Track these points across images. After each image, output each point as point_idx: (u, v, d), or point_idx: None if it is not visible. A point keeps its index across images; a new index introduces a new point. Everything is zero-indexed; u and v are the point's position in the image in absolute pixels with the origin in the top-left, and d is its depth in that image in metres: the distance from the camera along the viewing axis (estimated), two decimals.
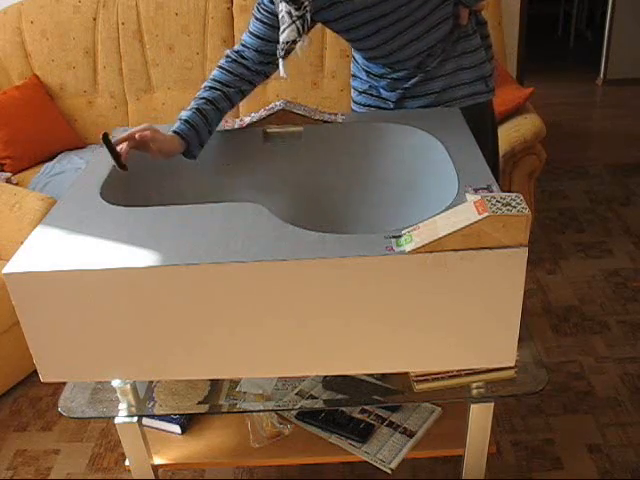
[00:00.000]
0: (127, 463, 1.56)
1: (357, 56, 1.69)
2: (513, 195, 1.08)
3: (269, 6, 1.44)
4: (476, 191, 1.19)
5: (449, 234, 1.05)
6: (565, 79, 4.79)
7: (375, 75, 1.64)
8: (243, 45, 1.52)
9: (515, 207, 1.05)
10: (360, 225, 1.51)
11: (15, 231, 2.16)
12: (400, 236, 1.10)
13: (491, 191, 1.20)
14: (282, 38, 1.36)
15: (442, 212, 1.12)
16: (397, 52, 1.52)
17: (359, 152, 1.56)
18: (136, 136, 1.36)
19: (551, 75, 4.84)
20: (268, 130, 1.57)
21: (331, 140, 1.56)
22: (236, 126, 1.59)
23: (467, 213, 1.06)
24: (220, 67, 1.52)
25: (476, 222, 1.03)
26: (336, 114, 1.61)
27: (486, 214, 1.03)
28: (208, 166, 1.57)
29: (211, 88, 1.49)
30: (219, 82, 1.49)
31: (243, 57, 1.51)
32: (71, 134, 2.99)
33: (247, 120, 1.60)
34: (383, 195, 1.54)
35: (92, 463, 1.94)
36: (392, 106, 1.65)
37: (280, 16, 1.37)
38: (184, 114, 1.45)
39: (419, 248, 1.06)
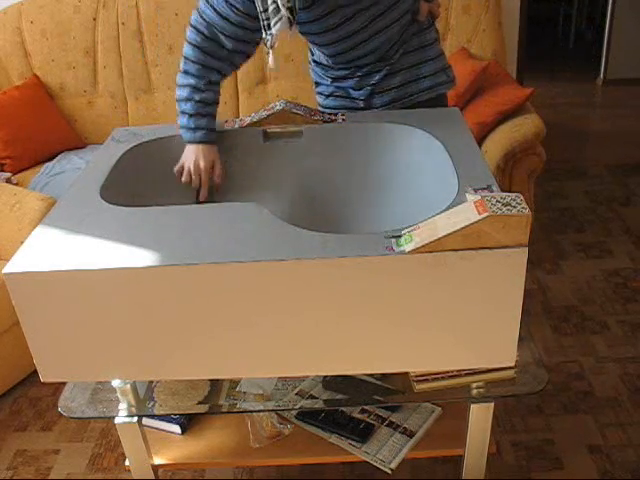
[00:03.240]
0: (127, 463, 1.56)
1: (318, 62, 1.69)
2: (513, 195, 1.08)
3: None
4: (476, 191, 1.19)
5: (449, 234, 1.05)
6: (565, 79, 4.79)
7: (340, 78, 1.66)
8: (212, 26, 1.46)
9: (515, 207, 1.05)
10: (360, 225, 1.51)
11: (15, 231, 2.16)
12: (400, 236, 1.10)
13: (491, 191, 1.20)
14: (274, 30, 1.36)
15: (442, 212, 1.12)
16: (364, 43, 1.53)
17: (359, 152, 1.56)
18: (217, 181, 1.52)
19: (551, 75, 4.84)
20: (268, 130, 1.57)
21: (331, 140, 1.56)
22: (236, 126, 1.59)
23: (467, 213, 1.06)
24: (196, 46, 1.48)
25: (476, 222, 1.03)
26: (336, 114, 1.61)
27: (486, 214, 1.03)
28: None
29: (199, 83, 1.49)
30: (203, 69, 1.48)
31: (219, 42, 1.48)
32: (71, 134, 2.99)
33: (247, 120, 1.60)
34: (383, 195, 1.54)
35: (92, 463, 1.94)
36: (362, 104, 1.67)
37: (268, 8, 1.35)
38: (201, 122, 1.49)
39: (419, 248, 1.06)
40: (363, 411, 1.60)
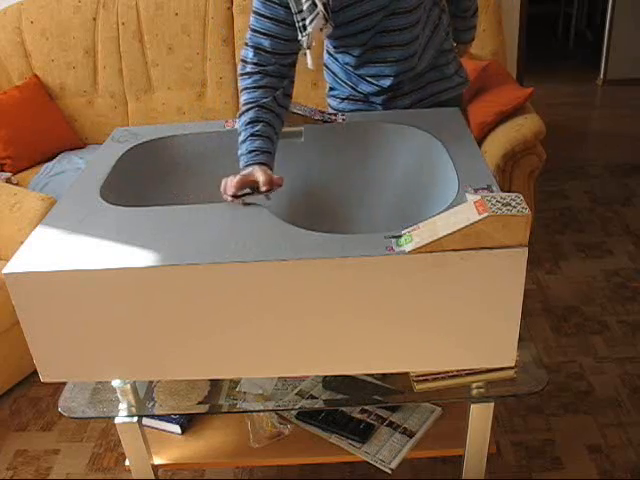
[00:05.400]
0: (127, 463, 1.56)
1: (342, 65, 1.63)
2: (513, 195, 1.08)
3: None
4: (476, 191, 1.19)
5: (449, 234, 1.05)
6: (565, 79, 4.79)
7: (362, 93, 1.63)
8: (256, 51, 1.41)
9: (515, 207, 1.05)
10: (360, 225, 1.51)
11: (15, 231, 2.16)
12: (400, 236, 1.10)
13: (491, 191, 1.20)
14: (310, 28, 1.34)
15: (442, 212, 1.12)
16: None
17: (359, 152, 1.56)
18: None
19: (551, 75, 4.84)
20: None
21: (331, 140, 1.56)
22: (236, 126, 1.59)
23: (467, 213, 1.06)
24: (248, 88, 1.41)
25: (476, 222, 1.03)
26: (336, 114, 1.61)
27: (486, 214, 1.03)
28: (208, 166, 1.57)
29: (258, 109, 1.39)
30: (259, 104, 1.39)
31: (264, 69, 1.41)
32: (71, 134, 2.99)
33: None
34: (383, 195, 1.54)
35: (92, 463, 1.94)
36: (380, 109, 1.64)
37: (302, 7, 1.34)
38: (258, 144, 1.35)
39: (419, 248, 1.06)
40: (363, 411, 1.60)
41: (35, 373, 1.44)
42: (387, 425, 1.57)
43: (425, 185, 1.46)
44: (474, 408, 1.42)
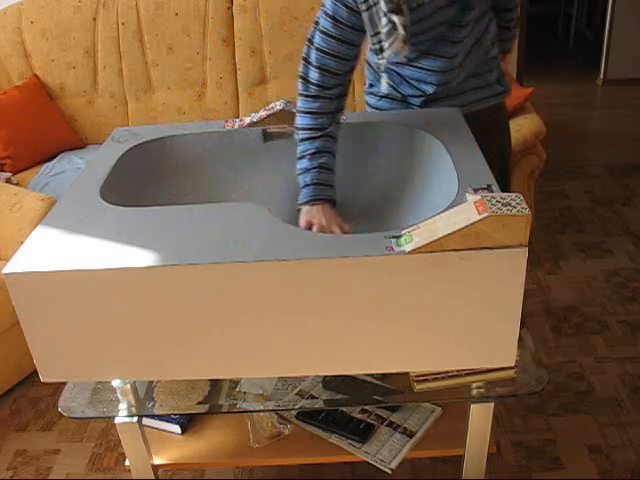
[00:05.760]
0: (127, 463, 1.56)
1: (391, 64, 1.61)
2: (513, 195, 1.08)
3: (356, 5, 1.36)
4: (476, 191, 1.19)
5: (449, 234, 1.05)
6: (565, 79, 4.79)
7: (402, 93, 1.61)
8: (322, 72, 1.41)
9: (515, 207, 1.05)
10: (360, 225, 1.51)
11: (15, 231, 2.16)
12: (400, 236, 1.10)
13: (491, 191, 1.20)
14: (388, 51, 1.34)
15: (442, 212, 1.12)
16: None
17: (359, 152, 1.56)
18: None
19: (551, 75, 4.84)
20: (268, 130, 1.57)
21: None
22: (236, 126, 1.59)
23: (467, 213, 1.06)
24: (313, 113, 1.43)
25: (476, 222, 1.03)
26: None
27: (486, 214, 1.03)
28: (208, 166, 1.57)
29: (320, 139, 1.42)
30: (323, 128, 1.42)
31: (330, 92, 1.42)
32: (71, 134, 2.99)
33: (247, 120, 1.60)
34: (383, 195, 1.54)
35: (92, 463, 1.94)
36: (417, 109, 1.63)
37: (378, 29, 1.32)
38: (324, 177, 1.41)
39: (419, 248, 1.06)
40: (363, 411, 1.60)
41: (35, 373, 1.44)
42: (387, 425, 1.57)
43: (425, 185, 1.46)
44: (474, 408, 1.42)
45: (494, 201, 1.06)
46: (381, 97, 1.66)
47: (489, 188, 1.21)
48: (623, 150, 3.66)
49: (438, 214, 1.12)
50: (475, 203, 1.07)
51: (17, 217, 2.17)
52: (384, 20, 1.31)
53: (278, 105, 1.58)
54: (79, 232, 1.20)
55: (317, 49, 1.40)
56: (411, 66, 1.51)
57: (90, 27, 2.91)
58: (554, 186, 3.30)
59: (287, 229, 1.17)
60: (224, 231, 1.17)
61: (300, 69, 1.44)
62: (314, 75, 1.41)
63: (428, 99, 1.59)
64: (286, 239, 1.13)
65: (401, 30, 1.30)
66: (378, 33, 1.34)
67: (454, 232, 1.04)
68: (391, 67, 1.57)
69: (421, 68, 1.50)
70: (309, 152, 1.41)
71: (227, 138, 1.57)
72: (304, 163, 1.41)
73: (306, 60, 1.43)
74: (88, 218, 1.25)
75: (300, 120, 1.44)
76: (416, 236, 1.08)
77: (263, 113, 1.59)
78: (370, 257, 1.07)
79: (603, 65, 4.59)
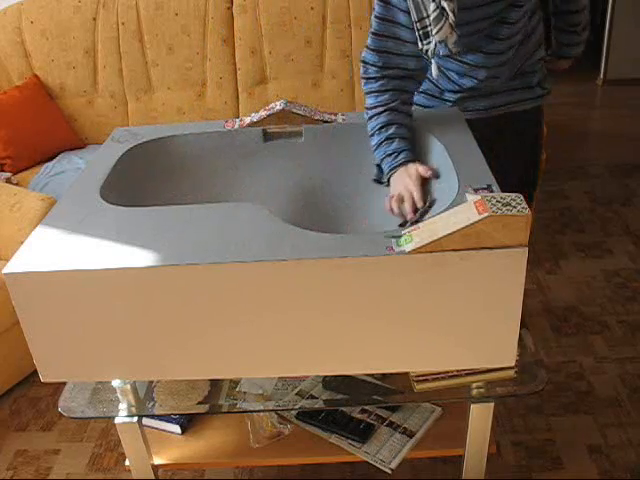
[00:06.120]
0: (127, 463, 1.56)
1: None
2: (513, 195, 1.08)
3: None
4: (476, 191, 1.19)
5: (449, 234, 1.05)
6: (565, 79, 4.78)
7: (440, 88, 1.61)
8: (380, 54, 1.44)
9: (515, 207, 1.05)
10: (360, 225, 1.51)
11: (15, 231, 2.16)
12: (400, 236, 1.10)
13: (491, 191, 1.20)
14: (437, 37, 1.34)
15: (442, 212, 1.12)
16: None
17: (359, 152, 1.56)
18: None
19: (551, 75, 4.83)
20: (268, 130, 1.57)
21: (331, 140, 1.56)
22: (236, 126, 1.59)
23: (467, 213, 1.06)
24: (373, 92, 1.46)
25: (476, 222, 1.03)
26: (336, 114, 1.61)
27: (486, 214, 1.03)
28: (208, 166, 1.57)
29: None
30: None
31: (389, 72, 1.45)
32: (71, 134, 2.99)
33: (247, 120, 1.60)
34: (383, 195, 1.54)
35: (92, 463, 1.94)
36: (447, 105, 1.62)
37: (423, 15, 1.33)
38: (395, 147, 1.41)
39: (419, 248, 1.06)
40: (363, 411, 1.60)
41: (35, 373, 1.44)
42: (387, 425, 1.57)
43: (425, 185, 1.45)
44: (474, 408, 1.42)
45: (494, 201, 1.06)
46: (419, 92, 1.65)
47: (489, 188, 1.21)
48: (623, 150, 3.66)
49: (438, 214, 1.12)
50: (475, 203, 1.07)
51: (17, 217, 2.17)
52: (432, 5, 1.31)
53: (278, 105, 1.58)
54: (79, 232, 1.20)
55: (372, 33, 1.44)
56: (455, 60, 1.51)
57: (90, 27, 2.91)
58: (554, 186, 3.30)
59: (287, 229, 1.16)
60: (224, 231, 1.17)
61: (361, 55, 1.49)
62: (370, 57, 1.46)
63: (465, 96, 1.58)
64: (286, 239, 1.13)
65: (451, 16, 1.31)
66: (423, 19, 1.34)
67: (454, 232, 1.04)
68: (436, 61, 1.55)
69: (464, 63, 1.50)
70: (376, 128, 1.44)
71: (227, 138, 1.57)
72: (374, 140, 1.45)
73: (366, 46, 1.47)
74: (88, 218, 1.25)
75: (366, 101, 1.48)
76: (416, 236, 1.08)
77: (263, 113, 1.59)
78: (370, 257, 1.07)
79: (603, 65, 4.59)
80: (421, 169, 1.35)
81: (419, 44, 1.37)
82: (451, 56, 1.50)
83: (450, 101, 1.61)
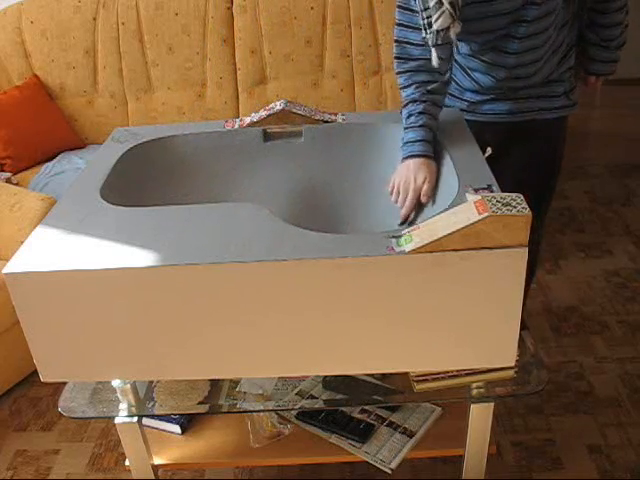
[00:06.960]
0: (127, 463, 1.56)
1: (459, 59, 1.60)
2: (513, 195, 1.08)
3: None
4: (476, 191, 1.19)
5: (449, 234, 1.05)
6: None
7: (461, 87, 1.61)
8: (403, 44, 1.45)
9: (515, 207, 1.05)
10: (360, 225, 1.51)
11: (15, 231, 2.16)
12: (400, 236, 1.10)
13: (491, 191, 1.20)
14: (435, 26, 1.34)
15: (442, 212, 1.12)
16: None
17: (359, 152, 1.56)
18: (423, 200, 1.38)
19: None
20: (268, 130, 1.57)
21: (331, 140, 1.56)
22: (236, 126, 1.59)
23: (467, 213, 1.06)
24: (403, 87, 1.48)
25: (476, 222, 1.03)
26: (336, 114, 1.61)
27: (486, 214, 1.03)
28: (208, 166, 1.57)
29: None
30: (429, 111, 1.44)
31: (411, 65, 1.46)
32: (71, 134, 2.99)
33: (247, 120, 1.60)
34: (383, 195, 1.54)
35: (92, 463, 1.94)
36: (466, 105, 1.62)
37: (429, 5, 1.34)
38: (410, 136, 1.43)
39: (419, 248, 1.06)
40: (363, 411, 1.60)
41: (35, 373, 1.44)
42: (387, 425, 1.57)
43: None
44: (474, 408, 1.42)
45: (494, 201, 1.06)
46: None
47: (489, 188, 1.21)
48: (623, 150, 3.65)
49: (438, 214, 1.12)
50: (475, 203, 1.07)
51: (17, 217, 2.17)
52: None
53: (278, 105, 1.58)
54: (79, 232, 1.20)
55: (397, 24, 1.45)
56: (477, 59, 1.52)
57: (90, 27, 2.91)
58: None
59: (287, 229, 1.17)
60: (224, 231, 1.17)
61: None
62: (397, 49, 1.47)
63: (486, 98, 1.57)
64: (286, 239, 1.13)
65: (447, 5, 1.30)
66: (427, 8, 1.35)
67: (454, 232, 1.04)
68: (457, 59, 1.57)
69: (485, 61, 1.50)
70: (403, 119, 1.46)
71: (227, 138, 1.57)
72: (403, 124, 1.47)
73: (394, 40, 1.48)
74: (88, 218, 1.25)
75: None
76: (416, 236, 1.08)
77: (263, 113, 1.59)
78: (370, 257, 1.07)
79: None
80: (424, 191, 1.36)
81: (423, 32, 1.38)
82: (474, 55, 1.50)
83: (470, 102, 1.60)
